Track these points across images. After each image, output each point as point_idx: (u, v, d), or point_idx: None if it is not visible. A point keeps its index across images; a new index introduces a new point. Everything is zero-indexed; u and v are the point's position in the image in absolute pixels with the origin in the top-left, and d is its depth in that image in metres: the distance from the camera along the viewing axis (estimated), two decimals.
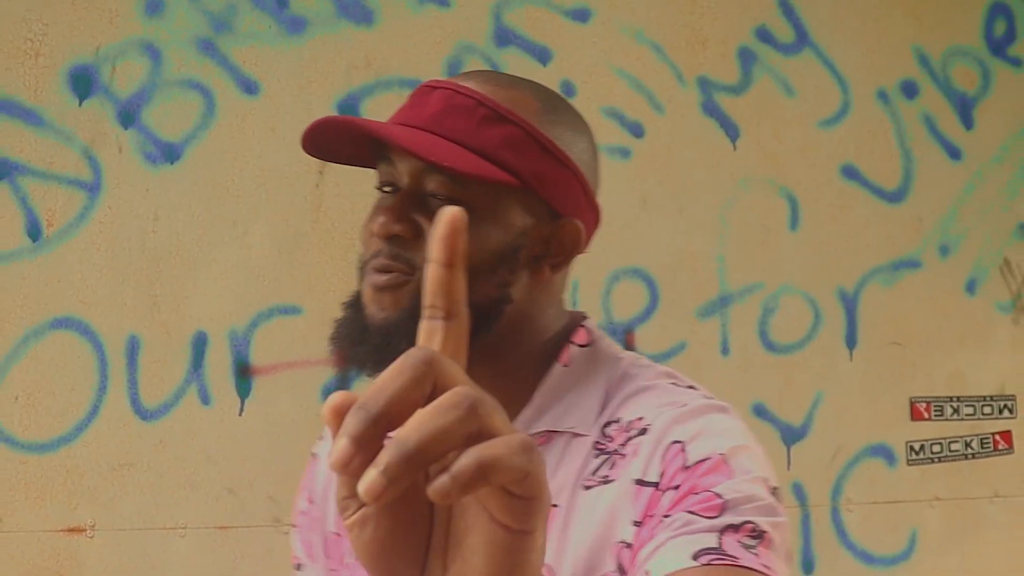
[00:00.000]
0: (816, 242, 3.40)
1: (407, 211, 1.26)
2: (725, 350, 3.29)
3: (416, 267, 1.25)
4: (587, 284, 3.19)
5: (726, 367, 3.27)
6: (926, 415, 3.47)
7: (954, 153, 3.54)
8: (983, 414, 3.53)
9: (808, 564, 3.32)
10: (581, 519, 1.22)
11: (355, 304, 1.33)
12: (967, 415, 3.51)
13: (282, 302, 3.03)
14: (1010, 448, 3.55)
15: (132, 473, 2.93)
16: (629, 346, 3.21)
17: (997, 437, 3.54)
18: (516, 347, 1.33)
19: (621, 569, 1.19)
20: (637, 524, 1.18)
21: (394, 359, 0.97)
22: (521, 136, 1.27)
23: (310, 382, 3.03)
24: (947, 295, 3.52)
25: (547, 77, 3.16)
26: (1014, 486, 3.56)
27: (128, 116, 2.97)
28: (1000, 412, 3.54)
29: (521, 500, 0.66)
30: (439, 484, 0.62)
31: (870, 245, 3.45)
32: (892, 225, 3.47)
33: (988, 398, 3.54)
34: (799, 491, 3.32)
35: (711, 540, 1.10)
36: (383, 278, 1.28)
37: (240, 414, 2.99)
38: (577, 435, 1.28)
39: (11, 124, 2.92)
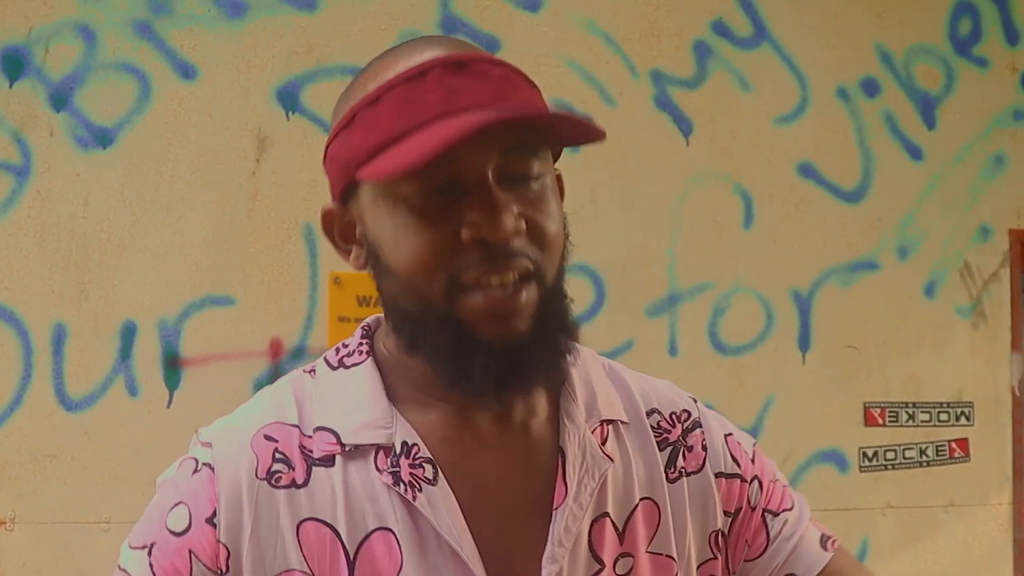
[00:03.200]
0: (770, 241, 3.32)
1: (511, 203, 1.07)
2: (673, 350, 3.22)
3: (541, 267, 1.10)
4: None
5: (674, 367, 3.20)
6: (880, 421, 3.39)
7: (915, 153, 3.46)
8: (939, 420, 3.45)
9: None
10: (680, 511, 1.24)
11: (454, 328, 1.08)
12: (923, 421, 3.43)
13: (214, 292, 2.96)
14: (966, 456, 3.47)
15: (55, 465, 2.86)
16: None
17: (953, 444, 3.46)
18: None
19: (716, 554, 1.27)
20: (728, 514, 1.28)
21: (527, 381, 1.10)
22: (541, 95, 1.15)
23: (241, 374, 2.96)
24: (905, 298, 3.44)
25: None
26: (970, 495, 3.48)
27: (60, 99, 2.91)
28: (957, 419, 3.46)
29: None
30: None
31: (826, 245, 3.37)
32: (850, 225, 3.39)
33: (945, 404, 3.46)
34: None
35: (813, 528, 1.32)
36: (508, 292, 1.07)
37: (168, 406, 2.92)
38: (624, 423, 1.25)
39: None
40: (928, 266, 3.46)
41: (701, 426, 1.29)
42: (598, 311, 3.18)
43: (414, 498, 1.10)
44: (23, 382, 2.86)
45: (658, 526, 1.22)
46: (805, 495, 3.21)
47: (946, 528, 3.46)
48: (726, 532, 1.28)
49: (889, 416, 3.40)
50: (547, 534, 1.15)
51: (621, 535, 1.20)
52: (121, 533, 2.76)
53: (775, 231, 3.33)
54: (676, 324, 3.23)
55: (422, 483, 1.11)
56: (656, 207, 3.23)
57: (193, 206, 2.95)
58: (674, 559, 1.22)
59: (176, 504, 1.12)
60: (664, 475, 1.24)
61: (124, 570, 1.12)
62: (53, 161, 2.90)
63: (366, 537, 1.10)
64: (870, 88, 3.43)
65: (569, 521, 1.15)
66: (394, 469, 1.11)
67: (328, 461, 1.12)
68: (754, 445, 1.34)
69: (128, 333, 2.91)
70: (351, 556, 1.10)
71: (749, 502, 1.29)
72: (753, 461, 1.31)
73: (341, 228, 1.19)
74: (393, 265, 1.10)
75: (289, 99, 3.02)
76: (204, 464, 1.13)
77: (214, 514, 1.09)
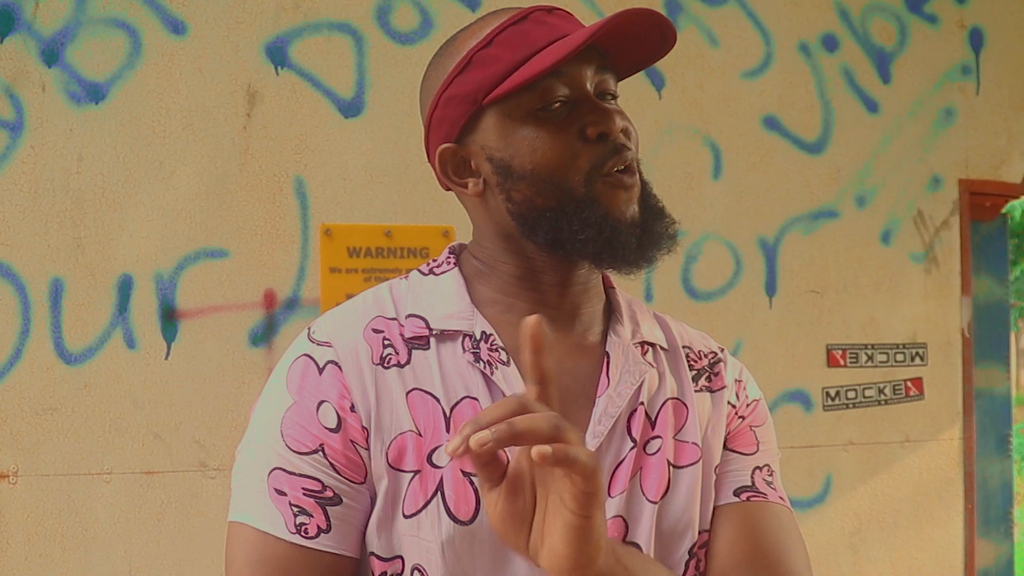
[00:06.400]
0: (738, 191, 3.45)
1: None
2: (648, 296, 3.33)
3: (638, 161, 1.37)
4: None
5: None
6: (842, 362, 3.55)
7: (871, 106, 3.61)
8: (896, 361, 3.62)
9: None
10: (703, 413, 1.48)
11: (596, 209, 1.34)
12: (880, 362, 3.60)
13: (209, 245, 3.00)
14: (920, 394, 3.65)
15: (56, 418, 2.89)
16: None
17: (908, 384, 3.64)
18: None
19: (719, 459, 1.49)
20: (727, 430, 1.51)
21: (649, 252, 1.38)
22: None
23: (237, 325, 3.01)
24: (863, 245, 3.60)
25: None
26: (923, 431, 3.66)
27: (51, 54, 2.91)
28: (912, 359, 3.64)
29: (584, 494, 1.04)
30: (540, 449, 0.99)
31: (790, 195, 3.51)
32: (811, 175, 3.54)
33: (901, 346, 3.63)
34: None
35: (746, 479, 1.48)
36: (634, 179, 1.35)
37: (166, 358, 2.96)
38: (663, 349, 1.50)
39: None
40: (884, 214, 3.63)
41: (723, 364, 1.56)
42: None
43: (492, 373, 1.34)
44: (22, 337, 2.88)
45: (685, 420, 1.45)
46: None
47: (902, 462, 3.64)
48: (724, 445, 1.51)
49: (850, 357, 3.56)
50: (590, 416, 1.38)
51: (653, 422, 1.42)
52: (123, 483, 2.84)
53: (742, 182, 3.46)
54: (651, 271, 3.32)
55: (498, 364, 1.35)
56: None
57: (185, 161, 2.99)
58: (699, 445, 1.44)
59: (320, 403, 1.32)
60: (691, 386, 1.48)
61: (306, 476, 1.30)
62: (46, 117, 2.90)
63: (457, 403, 1.33)
64: (829, 43, 3.56)
65: (609, 407, 1.38)
66: (475, 351, 1.36)
67: (423, 344, 1.36)
68: (760, 400, 1.57)
69: (125, 287, 2.94)
70: (447, 416, 1.32)
71: (730, 428, 1.51)
72: (751, 407, 1.54)
73: (455, 165, 1.41)
74: (531, 168, 1.34)
75: (278, 54, 3.06)
76: (328, 362, 1.34)
77: (352, 405, 1.31)
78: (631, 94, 3.31)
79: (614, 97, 1.38)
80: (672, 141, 3.36)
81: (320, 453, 1.30)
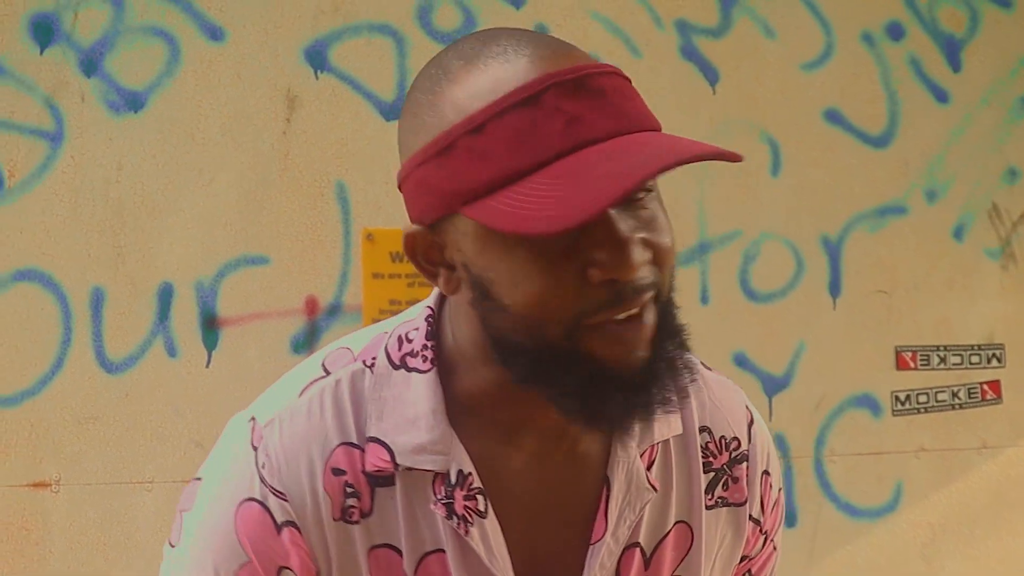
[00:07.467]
0: (798, 188, 3.33)
1: (635, 233, 1.02)
2: (704, 299, 3.23)
3: (660, 288, 1.06)
4: None
5: (705, 316, 3.21)
6: (912, 364, 3.40)
7: (941, 96, 3.46)
8: (971, 363, 3.46)
9: (791, 517, 3.26)
10: (712, 538, 1.27)
11: (582, 366, 1.04)
12: (954, 364, 3.45)
13: (249, 252, 2.98)
14: (998, 398, 3.48)
15: (98, 427, 2.90)
16: None
17: (985, 387, 3.47)
18: None
19: None
20: (744, 557, 1.33)
21: (653, 406, 1.08)
22: None
23: (278, 332, 2.99)
24: (934, 241, 3.44)
25: (521, 20, 3.11)
26: (1002, 437, 3.49)
27: (90, 64, 2.92)
28: (988, 361, 3.47)
29: None
30: None
31: (854, 190, 3.38)
32: (877, 170, 3.40)
33: (976, 347, 3.47)
34: (781, 442, 3.26)
35: None
36: (640, 325, 1.04)
37: (207, 366, 2.95)
38: (676, 436, 1.24)
39: None
40: (956, 209, 3.47)
41: (748, 460, 1.28)
42: None
43: (466, 532, 1.13)
44: (63, 346, 2.89)
45: (689, 550, 1.25)
46: (839, 441, 3.29)
47: (979, 470, 3.47)
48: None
49: (921, 360, 3.41)
50: (581, 564, 1.19)
51: (647, 562, 1.22)
52: (164, 492, 2.82)
53: (803, 178, 3.34)
54: (707, 272, 3.25)
55: (474, 516, 1.14)
56: None
57: (225, 167, 2.98)
58: None
59: (281, 569, 1.15)
60: (703, 499, 1.25)
61: None
62: (85, 126, 2.92)
63: (424, 557, 1.15)
64: (895, 32, 3.42)
65: (604, 557, 1.19)
66: (448, 500, 1.13)
67: (387, 480, 1.14)
68: (780, 489, 1.34)
69: (165, 295, 2.94)
70: None
71: (751, 552, 1.33)
72: (773, 509, 1.32)
73: (426, 251, 1.10)
74: (508, 303, 1.03)
75: (317, 58, 3.03)
76: (286, 523, 1.14)
77: (318, 572, 1.15)
78: (683, 89, 3.24)
79: (646, 194, 1.05)
80: (727, 137, 3.25)
81: None
